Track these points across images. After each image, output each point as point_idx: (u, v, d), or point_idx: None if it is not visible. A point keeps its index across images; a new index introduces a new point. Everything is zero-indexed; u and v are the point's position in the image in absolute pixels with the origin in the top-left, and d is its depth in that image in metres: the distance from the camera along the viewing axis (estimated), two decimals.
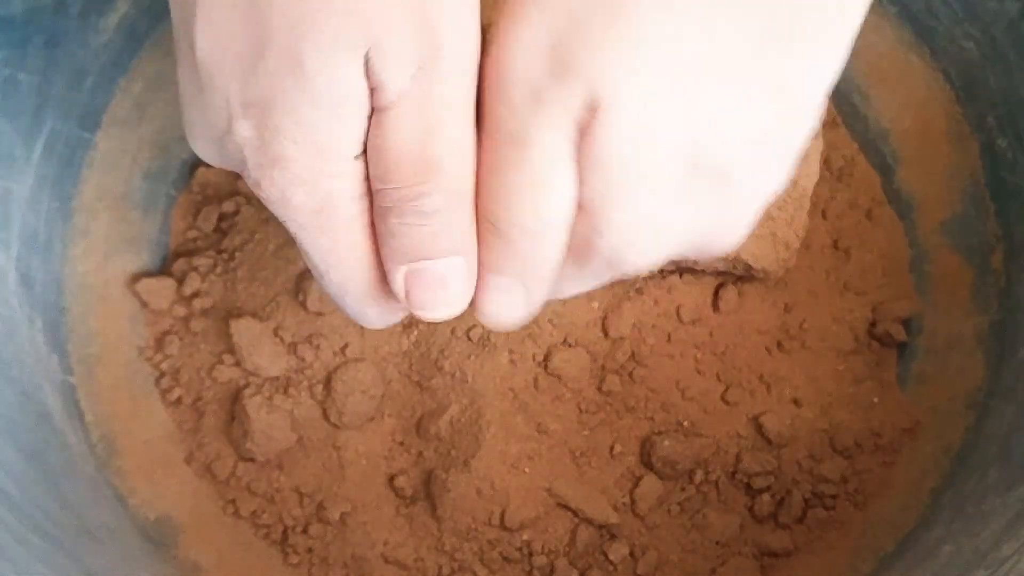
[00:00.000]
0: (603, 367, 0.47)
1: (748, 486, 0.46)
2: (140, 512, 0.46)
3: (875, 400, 0.48)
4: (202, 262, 0.48)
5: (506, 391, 0.46)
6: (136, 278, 0.48)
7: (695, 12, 0.27)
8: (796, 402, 0.47)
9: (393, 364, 0.47)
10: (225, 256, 0.49)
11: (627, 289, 0.47)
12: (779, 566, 0.46)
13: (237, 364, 0.47)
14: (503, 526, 0.45)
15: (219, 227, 0.50)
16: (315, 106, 0.28)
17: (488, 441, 0.46)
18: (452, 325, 0.46)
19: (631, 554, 0.45)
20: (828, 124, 0.51)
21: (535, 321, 0.47)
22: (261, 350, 0.46)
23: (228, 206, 0.49)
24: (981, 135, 0.49)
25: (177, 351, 0.48)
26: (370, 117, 0.29)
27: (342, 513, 0.45)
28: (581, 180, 0.29)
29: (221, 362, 0.47)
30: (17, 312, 0.44)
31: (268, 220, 0.48)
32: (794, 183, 0.44)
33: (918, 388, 0.49)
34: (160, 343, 0.48)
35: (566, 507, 0.45)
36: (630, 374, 0.47)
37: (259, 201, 0.49)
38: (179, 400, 0.47)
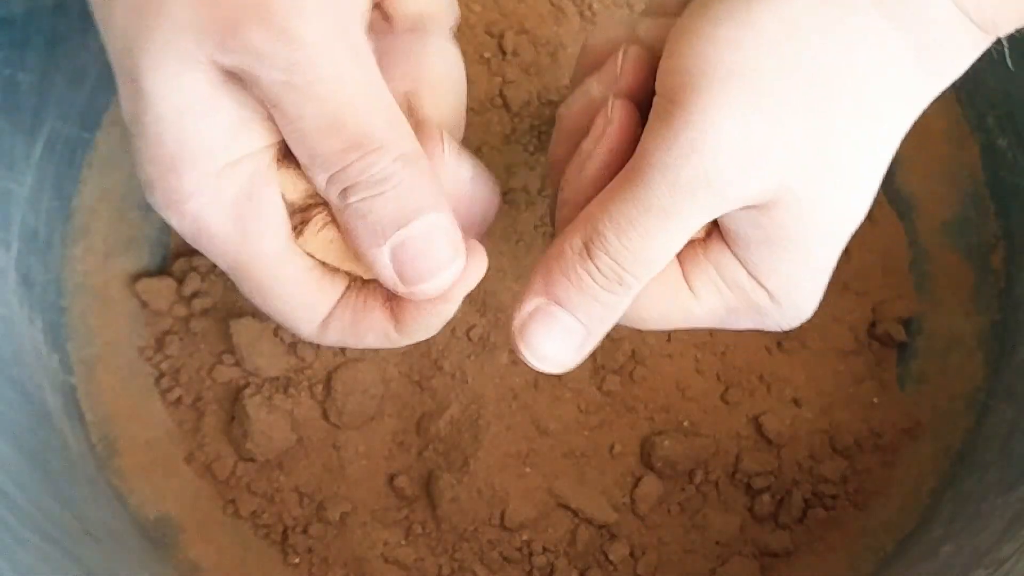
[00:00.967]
0: (603, 367, 0.47)
1: (748, 486, 0.46)
2: (140, 512, 0.46)
3: (875, 400, 0.48)
4: (202, 262, 0.48)
5: (506, 391, 0.46)
6: (136, 278, 0.48)
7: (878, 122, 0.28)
8: (796, 402, 0.47)
9: (393, 364, 0.47)
10: None
11: None
12: (779, 566, 0.46)
13: (237, 364, 0.47)
14: (503, 526, 0.45)
15: None
16: (157, 119, 0.27)
17: (488, 441, 0.46)
18: (452, 325, 0.46)
19: (631, 554, 0.45)
20: None
21: None
22: (261, 350, 0.46)
23: None
24: (981, 135, 0.49)
25: (177, 351, 0.48)
26: (269, 118, 0.28)
27: (342, 513, 0.45)
28: (751, 252, 0.29)
29: (221, 362, 0.47)
30: (17, 312, 0.44)
31: None
32: None
33: (918, 388, 0.49)
34: (160, 343, 0.48)
35: (566, 507, 0.45)
36: (630, 374, 0.47)
37: None
38: (179, 400, 0.47)
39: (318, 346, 0.46)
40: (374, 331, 0.31)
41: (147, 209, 0.49)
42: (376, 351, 0.46)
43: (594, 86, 0.32)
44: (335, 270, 0.31)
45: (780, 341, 0.48)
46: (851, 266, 0.49)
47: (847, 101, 0.27)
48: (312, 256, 0.31)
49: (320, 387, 0.46)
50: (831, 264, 0.30)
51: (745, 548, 0.46)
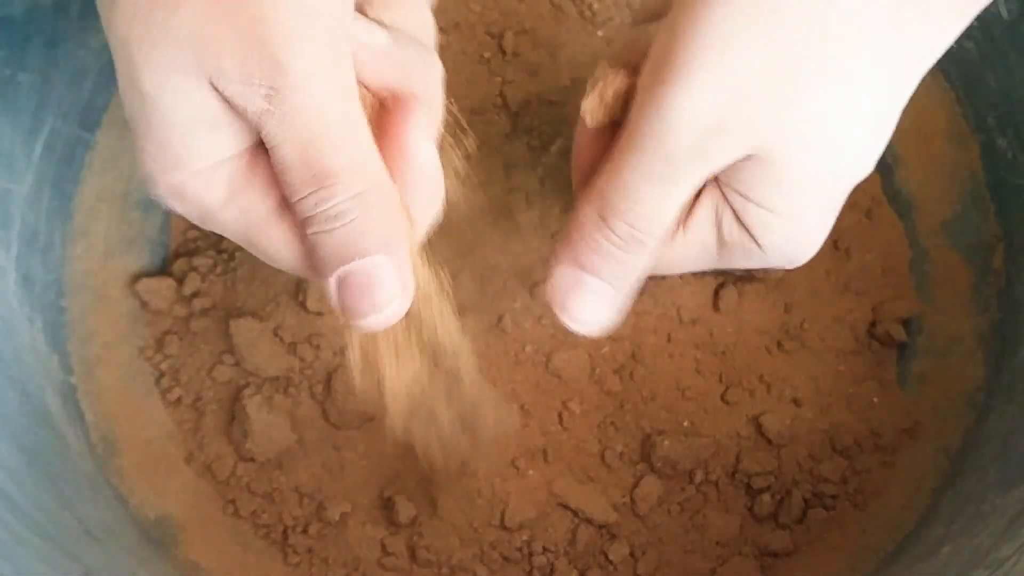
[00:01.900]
0: (603, 367, 0.47)
1: (748, 486, 0.46)
2: (140, 512, 0.46)
3: (875, 400, 0.48)
4: (202, 262, 0.48)
5: (506, 391, 0.46)
6: (136, 278, 0.48)
7: (864, 83, 0.30)
8: (796, 402, 0.47)
9: None
10: (225, 256, 0.49)
11: None
12: (779, 566, 0.46)
13: (237, 364, 0.47)
14: (503, 526, 0.45)
15: None
16: (164, 126, 0.29)
17: (488, 441, 0.46)
18: None
19: (631, 554, 0.45)
20: None
21: (535, 320, 0.47)
22: (261, 350, 0.46)
23: None
24: (981, 135, 0.49)
25: (177, 351, 0.48)
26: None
27: (342, 513, 0.45)
28: (739, 204, 0.32)
29: (221, 362, 0.47)
30: (17, 312, 0.44)
31: None
32: None
33: (918, 388, 0.49)
34: (160, 343, 0.48)
35: (566, 507, 0.45)
36: (630, 374, 0.47)
37: None
38: (179, 400, 0.47)
39: (318, 346, 0.46)
40: None
41: (147, 209, 0.50)
42: None
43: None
44: None
45: (780, 341, 0.48)
46: (851, 266, 0.49)
47: (816, 64, 0.29)
48: None
49: (320, 387, 0.46)
50: (816, 215, 0.33)
51: (745, 548, 0.46)
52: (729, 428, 0.47)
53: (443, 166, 0.33)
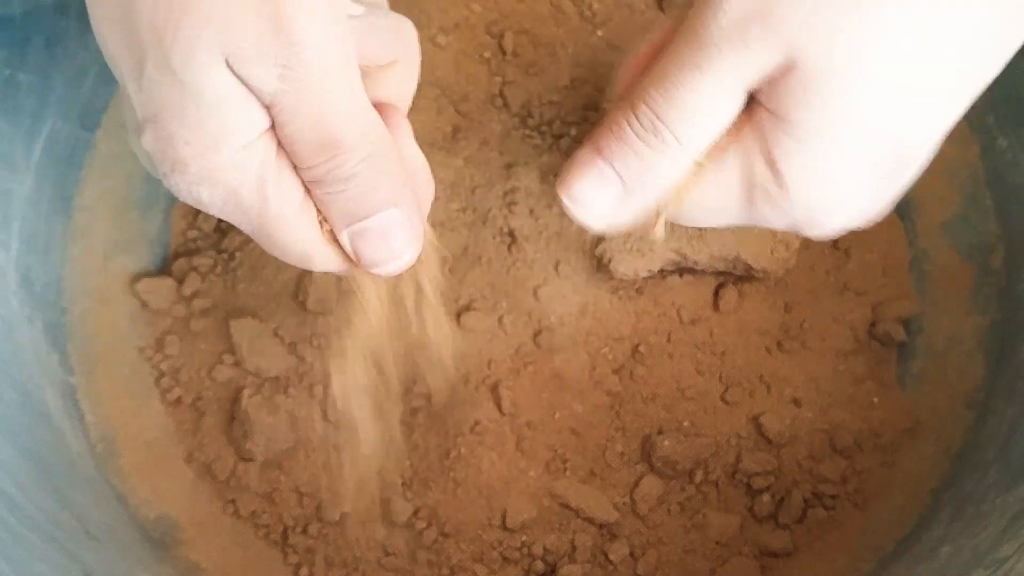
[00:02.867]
0: (603, 367, 0.47)
1: (748, 486, 0.46)
2: (140, 512, 0.46)
3: (875, 400, 0.48)
4: (202, 262, 0.48)
5: (507, 391, 0.46)
6: (136, 278, 0.48)
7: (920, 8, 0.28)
8: (796, 402, 0.47)
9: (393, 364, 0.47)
10: (225, 256, 0.49)
11: (627, 289, 0.47)
12: (779, 566, 0.46)
13: (237, 364, 0.47)
14: (503, 526, 0.45)
15: (219, 227, 0.50)
16: (197, 107, 0.29)
17: (488, 441, 0.46)
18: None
19: (631, 554, 0.45)
20: None
21: (535, 320, 0.47)
22: (261, 350, 0.46)
23: None
24: (981, 135, 0.49)
25: (177, 351, 0.48)
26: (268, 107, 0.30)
27: (342, 513, 0.45)
28: (771, 134, 0.30)
29: (221, 362, 0.47)
30: (17, 312, 0.44)
31: None
32: None
33: (918, 388, 0.49)
34: (160, 343, 0.48)
35: (566, 507, 0.45)
36: (630, 374, 0.47)
37: None
38: (179, 400, 0.47)
39: (318, 346, 0.46)
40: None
41: (147, 209, 0.50)
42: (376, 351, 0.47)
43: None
44: None
45: (780, 341, 0.48)
46: (851, 266, 0.49)
47: None
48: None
49: (320, 387, 0.46)
50: (856, 167, 0.30)
51: (745, 548, 0.46)
52: (729, 428, 0.47)
53: None
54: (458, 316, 0.46)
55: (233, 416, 0.46)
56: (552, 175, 0.48)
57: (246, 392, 0.46)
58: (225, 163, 0.30)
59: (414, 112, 0.36)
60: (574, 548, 0.45)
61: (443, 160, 0.48)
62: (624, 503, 0.46)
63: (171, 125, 0.30)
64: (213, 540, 0.46)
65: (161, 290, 0.48)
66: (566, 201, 0.33)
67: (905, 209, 0.50)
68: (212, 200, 0.31)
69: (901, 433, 0.48)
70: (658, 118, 0.31)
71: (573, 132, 0.49)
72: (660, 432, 0.46)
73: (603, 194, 0.33)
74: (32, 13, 0.43)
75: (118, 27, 0.29)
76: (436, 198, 0.36)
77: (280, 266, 0.47)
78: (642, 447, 0.46)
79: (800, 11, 0.28)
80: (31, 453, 0.41)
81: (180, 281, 0.48)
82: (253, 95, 0.29)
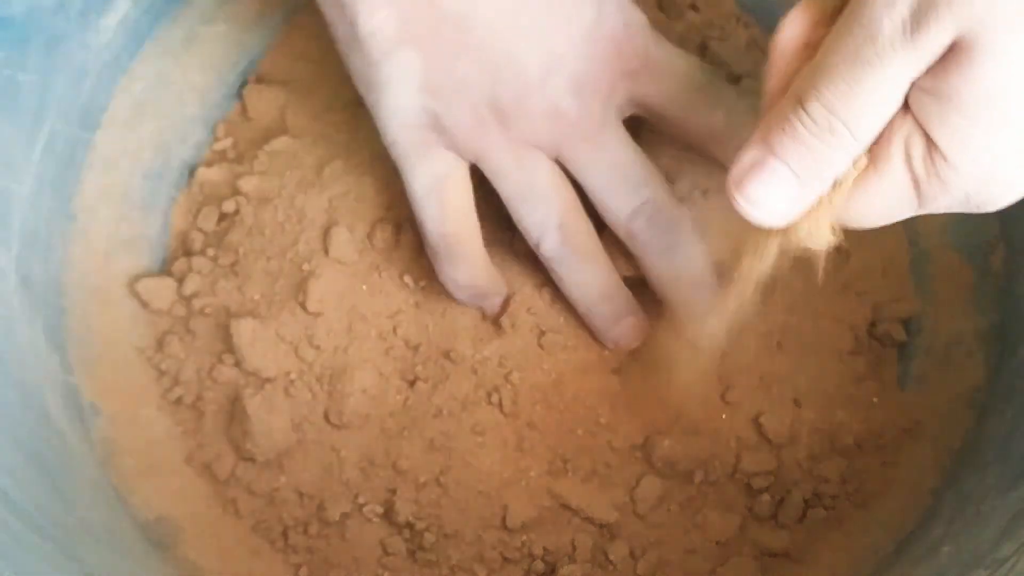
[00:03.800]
0: (603, 367, 0.47)
1: (748, 486, 0.46)
2: (140, 512, 0.46)
3: (875, 400, 0.48)
4: (202, 262, 0.48)
5: (507, 391, 0.46)
6: (136, 278, 0.48)
7: None
8: (796, 402, 0.47)
9: (393, 364, 0.47)
10: (225, 256, 0.49)
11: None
12: (779, 566, 0.46)
13: (237, 364, 0.47)
14: (503, 526, 0.45)
15: (219, 227, 0.50)
16: None
17: (489, 441, 0.46)
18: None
19: (631, 554, 0.45)
20: None
21: (534, 320, 0.47)
22: (261, 350, 0.46)
23: (228, 206, 0.49)
24: None
25: (177, 351, 0.48)
26: None
27: (342, 513, 0.45)
28: (935, 116, 0.30)
29: (221, 362, 0.47)
30: (17, 312, 0.44)
31: (268, 220, 0.48)
32: None
33: (918, 388, 0.49)
34: (160, 343, 0.48)
35: (566, 507, 0.45)
36: (631, 374, 0.47)
37: (259, 201, 0.49)
38: (179, 400, 0.47)
39: (318, 346, 0.46)
40: None
41: (147, 209, 0.50)
42: (376, 352, 0.46)
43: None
44: None
45: (780, 341, 0.48)
46: (851, 266, 0.49)
47: None
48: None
49: (320, 387, 0.46)
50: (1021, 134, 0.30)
51: (745, 548, 0.46)
52: (729, 428, 0.46)
53: None
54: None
55: (233, 416, 0.46)
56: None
57: (246, 392, 0.46)
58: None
59: None
60: (574, 548, 0.45)
61: None
62: (624, 503, 0.46)
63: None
64: (213, 540, 0.46)
65: (161, 290, 0.48)
66: (742, 203, 0.33)
67: None
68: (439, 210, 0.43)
69: (901, 433, 0.48)
70: (829, 112, 0.31)
71: None
72: (660, 432, 0.46)
73: (778, 191, 0.33)
74: (32, 13, 0.43)
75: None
76: None
77: (280, 266, 0.47)
78: (642, 447, 0.46)
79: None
80: (31, 453, 0.41)
81: (180, 281, 0.48)
82: None
